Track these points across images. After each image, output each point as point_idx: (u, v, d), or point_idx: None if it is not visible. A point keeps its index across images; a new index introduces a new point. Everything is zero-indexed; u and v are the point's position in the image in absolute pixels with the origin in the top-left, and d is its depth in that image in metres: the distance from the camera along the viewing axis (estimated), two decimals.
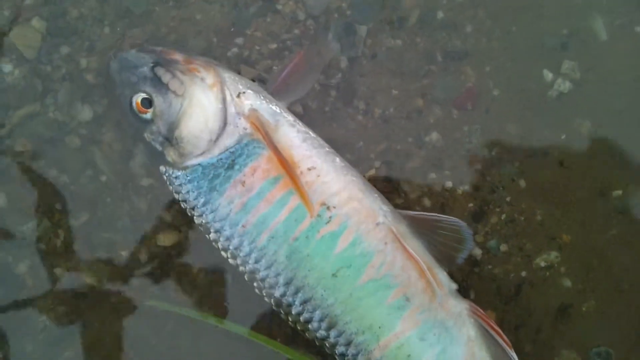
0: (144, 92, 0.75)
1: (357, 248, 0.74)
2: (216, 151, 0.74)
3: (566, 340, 0.87)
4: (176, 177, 0.76)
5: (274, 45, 0.87)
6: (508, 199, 0.88)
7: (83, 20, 0.86)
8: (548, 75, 0.89)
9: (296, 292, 0.74)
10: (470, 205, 0.88)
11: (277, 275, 0.74)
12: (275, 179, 0.73)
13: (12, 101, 0.86)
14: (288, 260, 0.74)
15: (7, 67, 0.86)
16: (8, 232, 0.85)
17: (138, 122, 0.77)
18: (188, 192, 0.75)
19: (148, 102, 0.76)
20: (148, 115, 0.75)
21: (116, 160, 0.86)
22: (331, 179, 0.75)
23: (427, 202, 0.88)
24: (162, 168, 0.77)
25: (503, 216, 0.88)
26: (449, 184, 0.88)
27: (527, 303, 0.87)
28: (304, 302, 0.75)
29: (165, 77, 0.75)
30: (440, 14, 0.89)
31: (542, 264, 0.88)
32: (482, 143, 0.89)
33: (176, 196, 0.78)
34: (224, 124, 0.74)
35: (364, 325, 0.74)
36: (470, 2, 0.89)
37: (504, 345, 0.76)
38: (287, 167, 0.73)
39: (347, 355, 0.76)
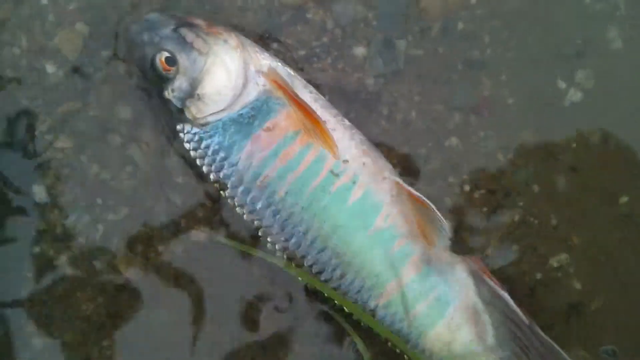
0: (168, 50, 0.79)
1: (368, 200, 0.79)
2: (237, 107, 0.78)
3: (576, 338, 0.92)
4: (195, 134, 0.79)
5: (303, 52, 0.92)
6: (521, 203, 0.92)
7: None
8: (562, 84, 0.93)
9: (312, 243, 0.79)
10: (485, 209, 0.92)
11: (294, 227, 0.79)
12: (294, 133, 0.78)
13: (54, 99, 0.90)
14: (305, 212, 0.78)
15: (51, 68, 0.90)
16: (49, 226, 0.89)
17: (160, 80, 0.79)
18: (207, 147, 0.79)
19: (172, 61, 0.79)
20: (171, 73, 0.78)
21: (153, 158, 0.90)
22: (342, 136, 0.80)
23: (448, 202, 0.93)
24: (180, 126, 0.81)
25: (516, 218, 0.93)
26: (466, 187, 0.93)
27: (539, 303, 0.92)
28: (320, 252, 0.79)
29: (189, 37, 0.79)
30: (460, 25, 0.94)
31: (555, 264, 0.93)
32: (497, 148, 0.93)
33: (193, 154, 0.81)
34: (245, 81, 0.78)
35: (373, 273, 0.80)
36: (489, 14, 0.93)
37: (496, 287, 0.82)
38: (310, 112, 0.77)
39: (358, 302, 0.81)
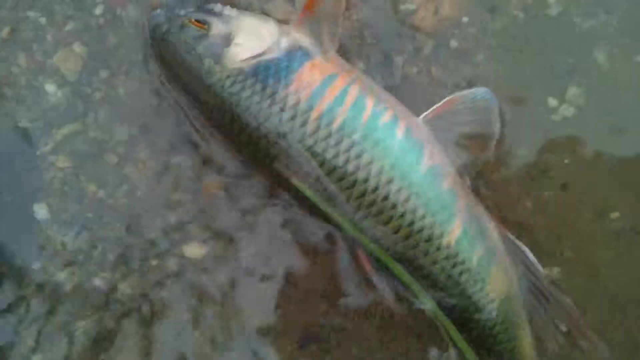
0: (197, 17, 0.83)
1: (411, 138, 0.82)
2: (274, 53, 0.81)
3: None
4: (237, 78, 0.80)
5: None
6: (521, 218, 0.94)
7: (121, 46, 0.92)
8: (553, 101, 0.95)
9: (379, 174, 0.80)
10: None
11: (359, 156, 0.80)
12: (334, 73, 0.81)
13: (55, 120, 0.92)
14: (365, 142, 0.80)
15: (51, 88, 0.91)
16: (50, 242, 0.91)
17: (193, 40, 0.82)
18: (253, 85, 0.80)
19: (203, 22, 0.83)
20: (204, 30, 0.82)
21: (150, 176, 0.92)
22: (375, 84, 0.86)
23: None
24: (218, 76, 0.81)
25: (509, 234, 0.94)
26: None
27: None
28: (388, 183, 0.80)
29: (217, 8, 0.85)
30: (454, 43, 0.95)
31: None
32: (490, 165, 0.95)
33: (235, 100, 0.81)
34: (278, 35, 0.83)
35: (436, 209, 0.82)
36: (482, 32, 0.95)
37: (517, 241, 0.88)
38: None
39: (430, 241, 0.82)
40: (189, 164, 0.92)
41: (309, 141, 0.80)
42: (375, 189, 0.80)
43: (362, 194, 0.80)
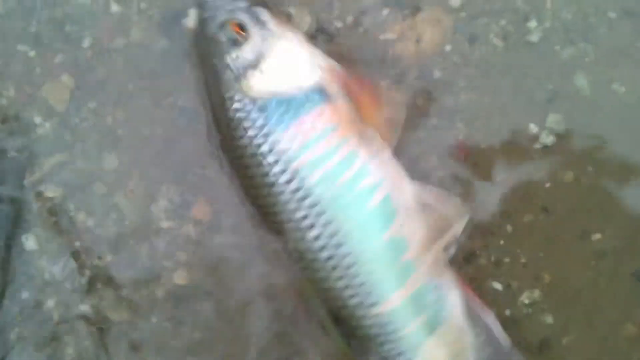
0: (241, 19, 0.82)
1: (386, 206, 0.81)
2: (292, 90, 0.80)
3: None
4: (246, 104, 0.80)
5: None
6: (502, 242, 0.95)
7: (109, 78, 0.94)
8: (534, 128, 0.97)
9: (332, 236, 0.80)
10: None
11: (319, 215, 0.79)
12: (336, 125, 0.80)
13: (43, 150, 0.93)
14: (332, 203, 0.79)
15: (39, 119, 0.93)
16: (38, 272, 0.92)
17: (226, 43, 0.81)
18: (255, 120, 0.80)
19: (243, 28, 0.81)
20: (241, 38, 0.81)
21: (139, 205, 0.93)
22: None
23: None
24: (232, 93, 0.81)
25: (492, 258, 0.96)
26: None
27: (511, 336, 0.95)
28: (337, 247, 0.80)
29: (264, 16, 0.83)
30: (437, 73, 0.97)
31: (526, 301, 0.96)
32: (472, 190, 0.97)
33: (235, 123, 0.81)
34: (307, 68, 0.82)
35: (379, 279, 0.81)
36: (463, 61, 0.97)
37: (483, 308, 0.86)
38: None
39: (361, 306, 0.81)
40: (179, 191, 0.93)
41: (279, 188, 0.80)
42: (323, 248, 0.81)
43: (307, 250, 0.81)
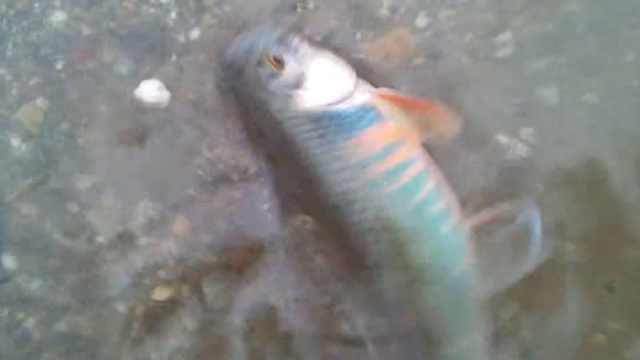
0: (275, 52, 0.84)
1: (456, 236, 0.83)
2: (344, 105, 0.82)
3: None
4: (299, 119, 0.83)
5: None
6: None
7: (81, 99, 0.95)
8: (506, 140, 0.98)
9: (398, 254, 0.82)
10: None
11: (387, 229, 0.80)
12: (397, 142, 0.82)
13: (19, 172, 0.95)
14: (405, 220, 0.80)
15: (15, 142, 0.95)
16: (18, 291, 0.94)
17: (268, 77, 0.84)
18: (313, 130, 0.82)
19: (279, 61, 0.84)
20: (278, 68, 0.84)
21: (115, 223, 0.95)
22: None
23: None
24: (288, 111, 0.83)
25: None
26: None
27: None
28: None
29: (295, 42, 0.86)
30: (404, 88, 0.98)
31: (504, 316, 0.97)
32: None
33: (296, 140, 0.83)
34: (353, 87, 0.84)
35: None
36: (432, 74, 0.98)
37: None
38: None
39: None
40: (156, 209, 0.95)
41: (352, 196, 0.82)
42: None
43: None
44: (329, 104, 0.83)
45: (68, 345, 0.94)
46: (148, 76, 0.93)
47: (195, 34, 0.94)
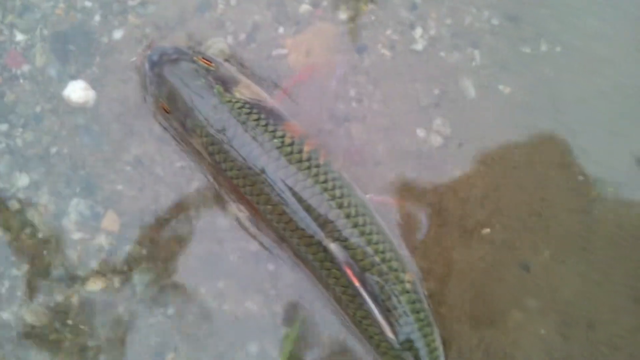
0: (205, 57, 0.93)
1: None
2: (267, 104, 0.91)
3: None
4: (243, 106, 0.89)
5: None
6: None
7: (18, 102, 1.01)
8: (422, 131, 1.02)
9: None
10: None
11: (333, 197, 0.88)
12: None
13: None
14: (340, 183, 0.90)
15: None
16: None
17: (203, 69, 0.91)
18: (253, 114, 0.89)
19: (209, 60, 0.93)
20: (212, 66, 0.92)
21: (51, 219, 1.01)
22: None
23: None
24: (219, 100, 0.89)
25: None
26: None
27: None
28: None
29: (218, 59, 0.95)
30: (332, 84, 1.02)
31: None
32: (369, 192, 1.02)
33: (231, 122, 0.88)
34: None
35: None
36: (353, 70, 1.03)
37: None
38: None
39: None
40: (87, 206, 1.01)
41: (302, 169, 0.88)
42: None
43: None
44: (260, 101, 0.90)
45: (11, 334, 1.00)
46: (74, 77, 0.99)
47: (118, 34, 0.99)
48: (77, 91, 0.97)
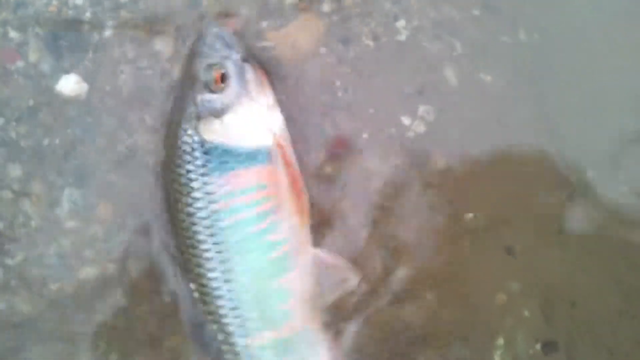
0: (228, 70, 0.92)
1: (284, 261, 0.92)
2: (239, 145, 0.90)
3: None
4: (194, 142, 0.91)
5: None
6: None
7: (13, 96, 1.03)
8: (406, 119, 1.05)
9: (225, 272, 0.90)
10: None
11: (220, 252, 0.89)
12: (266, 184, 0.91)
13: None
14: (236, 246, 0.89)
15: None
16: None
17: (203, 84, 0.91)
18: (197, 158, 0.90)
19: (225, 80, 0.92)
20: (218, 88, 0.91)
21: (44, 208, 1.03)
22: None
23: None
24: (190, 127, 0.91)
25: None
26: None
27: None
28: (227, 282, 0.90)
29: (249, 75, 0.93)
30: (314, 74, 1.05)
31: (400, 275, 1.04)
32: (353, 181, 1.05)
33: (180, 155, 0.91)
34: (263, 132, 0.92)
35: (257, 316, 0.91)
36: (337, 60, 1.06)
37: None
38: (297, 183, 0.95)
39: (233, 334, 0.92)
40: (80, 195, 1.03)
41: (194, 221, 0.90)
42: (214, 279, 0.92)
43: (200, 275, 0.92)
44: (229, 143, 0.91)
45: (6, 323, 1.02)
46: (67, 72, 1.02)
47: (108, 31, 1.03)
48: (70, 84, 1.00)
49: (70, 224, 1.03)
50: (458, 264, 1.04)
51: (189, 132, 0.92)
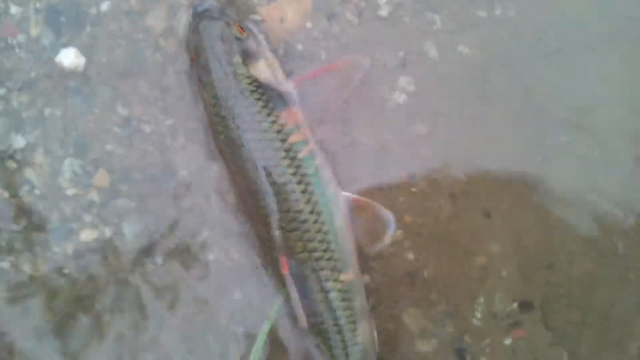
0: (240, 24, 1.03)
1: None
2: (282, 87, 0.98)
3: (412, 299, 1.10)
4: (252, 82, 0.98)
5: None
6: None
7: (15, 68, 1.09)
8: (385, 89, 1.11)
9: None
10: None
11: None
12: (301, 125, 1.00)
13: None
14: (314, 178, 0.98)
15: None
16: None
17: (233, 37, 1.00)
18: (261, 98, 0.97)
19: (243, 28, 1.02)
20: (243, 36, 1.00)
21: (46, 177, 1.09)
22: None
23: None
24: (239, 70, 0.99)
25: None
26: None
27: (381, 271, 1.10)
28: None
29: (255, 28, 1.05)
30: (300, 47, 1.11)
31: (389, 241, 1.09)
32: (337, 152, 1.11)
33: (239, 96, 0.98)
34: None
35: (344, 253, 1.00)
36: (322, 36, 1.11)
37: None
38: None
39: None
40: (79, 165, 1.09)
41: (278, 156, 0.97)
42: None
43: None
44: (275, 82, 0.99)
45: (9, 283, 1.08)
46: (66, 45, 1.07)
47: (105, 6, 1.08)
48: (69, 57, 1.05)
49: (71, 191, 1.09)
50: (439, 227, 1.09)
51: (245, 76, 0.98)
